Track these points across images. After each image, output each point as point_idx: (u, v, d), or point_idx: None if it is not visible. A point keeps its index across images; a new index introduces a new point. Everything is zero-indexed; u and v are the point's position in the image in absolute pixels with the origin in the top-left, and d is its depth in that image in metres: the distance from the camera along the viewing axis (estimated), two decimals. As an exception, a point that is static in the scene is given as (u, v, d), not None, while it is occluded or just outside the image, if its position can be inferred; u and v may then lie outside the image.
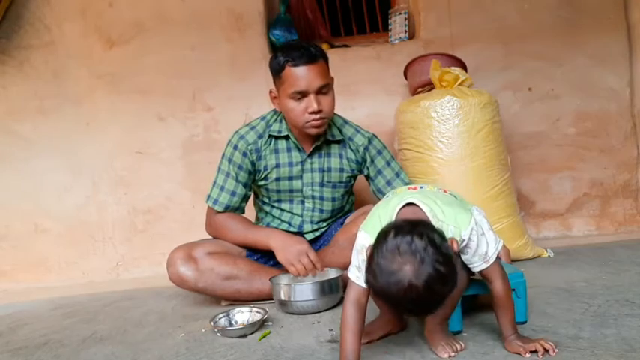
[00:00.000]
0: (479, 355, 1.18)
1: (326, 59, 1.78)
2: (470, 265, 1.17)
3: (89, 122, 2.67)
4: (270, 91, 1.85)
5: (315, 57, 1.72)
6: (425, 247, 0.96)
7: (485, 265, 1.16)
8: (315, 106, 1.72)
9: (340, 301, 1.71)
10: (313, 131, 1.79)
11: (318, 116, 1.74)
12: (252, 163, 1.88)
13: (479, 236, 1.13)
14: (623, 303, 1.44)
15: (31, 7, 2.64)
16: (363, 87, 2.64)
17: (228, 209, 1.88)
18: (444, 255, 0.98)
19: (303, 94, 1.73)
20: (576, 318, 1.35)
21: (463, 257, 1.16)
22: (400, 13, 2.74)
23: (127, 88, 2.66)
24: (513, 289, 1.33)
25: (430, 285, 0.95)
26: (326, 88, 1.76)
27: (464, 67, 2.29)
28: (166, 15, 2.66)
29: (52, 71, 2.66)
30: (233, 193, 1.88)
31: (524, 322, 1.35)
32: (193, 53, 2.65)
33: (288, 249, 1.72)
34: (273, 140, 1.89)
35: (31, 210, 2.67)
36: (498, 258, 1.20)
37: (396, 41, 2.72)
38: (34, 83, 2.66)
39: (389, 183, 1.92)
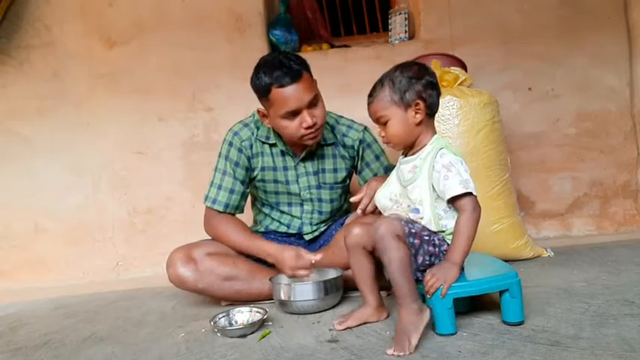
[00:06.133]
0: (479, 355, 1.17)
1: (308, 69, 1.73)
2: (445, 190, 1.33)
3: (89, 122, 2.67)
4: (259, 111, 1.81)
5: (299, 73, 1.67)
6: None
7: (455, 190, 1.31)
8: (309, 121, 1.70)
9: (340, 302, 1.72)
10: (310, 142, 1.79)
11: (313, 129, 1.74)
12: (248, 159, 1.88)
13: (451, 164, 1.34)
14: (623, 303, 1.44)
15: (31, 7, 2.64)
16: (363, 87, 2.57)
17: (228, 208, 1.88)
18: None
19: (295, 113, 1.71)
20: (576, 318, 1.35)
21: (438, 182, 1.34)
22: (400, 13, 2.74)
23: (127, 88, 2.66)
24: (507, 290, 1.33)
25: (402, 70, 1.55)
26: (315, 99, 1.73)
27: (464, 67, 2.29)
28: (166, 15, 2.66)
29: (52, 71, 2.66)
30: (232, 191, 1.88)
31: (521, 322, 1.33)
32: (193, 53, 2.65)
33: (284, 264, 1.74)
34: (266, 144, 1.89)
35: (31, 210, 2.67)
36: (474, 201, 1.33)
37: (396, 41, 2.72)
38: (34, 83, 2.66)
39: (375, 176, 1.90)
